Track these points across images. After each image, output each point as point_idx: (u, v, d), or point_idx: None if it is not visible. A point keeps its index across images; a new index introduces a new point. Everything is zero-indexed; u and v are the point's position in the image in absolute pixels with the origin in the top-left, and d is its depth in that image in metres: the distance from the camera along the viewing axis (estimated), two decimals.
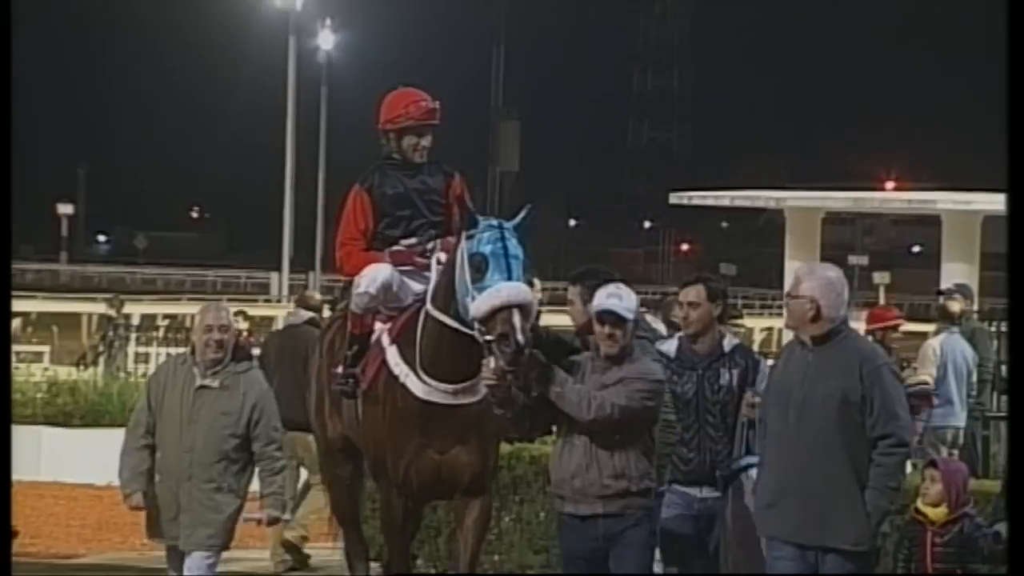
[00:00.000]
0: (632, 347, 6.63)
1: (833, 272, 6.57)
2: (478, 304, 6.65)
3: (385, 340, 7.18)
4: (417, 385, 6.98)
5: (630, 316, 6.60)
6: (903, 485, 6.63)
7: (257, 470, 7.52)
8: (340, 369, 7.35)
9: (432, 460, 7.02)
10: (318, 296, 12.19)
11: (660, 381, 6.60)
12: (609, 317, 6.57)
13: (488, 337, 6.56)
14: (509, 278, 6.66)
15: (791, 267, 19.39)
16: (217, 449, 7.41)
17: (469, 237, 6.83)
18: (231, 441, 7.42)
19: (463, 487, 7.07)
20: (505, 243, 6.75)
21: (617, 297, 6.60)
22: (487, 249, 6.72)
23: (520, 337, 6.46)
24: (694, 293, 7.12)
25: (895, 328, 11.66)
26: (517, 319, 6.50)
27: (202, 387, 7.47)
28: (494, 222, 6.84)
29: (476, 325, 6.65)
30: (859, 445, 6.36)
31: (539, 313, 7.14)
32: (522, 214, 6.92)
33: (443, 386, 6.96)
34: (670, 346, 7.12)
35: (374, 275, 7.23)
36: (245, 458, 7.49)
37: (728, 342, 7.16)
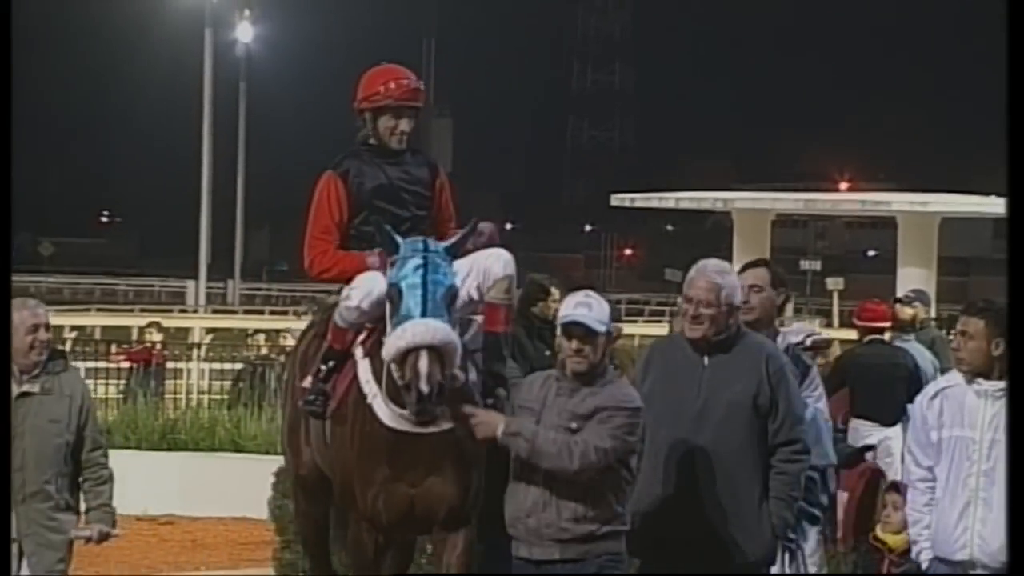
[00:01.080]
0: (605, 366, 6.06)
1: (728, 266, 6.37)
2: (387, 347, 6.09)
3: (359, 352, 6.63)
4: (383, 410, 6.42)
5: (601, 328, 5.98)
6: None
7: (82, 480, 7.17)
8: (308, 384, 6.75)
9: (403, 493, 6.45)
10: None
11: (639, 409, 6.00)
12: (577, 330, 5.97)
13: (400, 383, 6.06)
14: (424, 312, 6.02)
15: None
16: (52, 462, 7.05)
17: (392, 264, 6.24)
18: (63, 450, 7.07)
19: (440, 521, 6.49)
20: (427, 269, 6.11)
21: (586, 306, 6.00)
22: (404, 278, 6.12)
23: (423, 386, 5.90)
24: (758, 276, 6.72)
25: (888, 330, 11.73)
26: (423, 364, 5.92)
27: (23, 395, 7.04)
28: (419, 244, 6.23)
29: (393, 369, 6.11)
30: (763, 453, 6.16)
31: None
32: (459, 234, 6.38)
33: (408, 413, 6.31)
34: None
35: (369, 288, 6.54)
36: (76, 468, 7.15)
37: (781, 340, 6.72)
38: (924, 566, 6.01)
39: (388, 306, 6.19)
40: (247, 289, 57.88)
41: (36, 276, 68.38)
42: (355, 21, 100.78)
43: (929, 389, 6.15)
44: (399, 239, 6.27)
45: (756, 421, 6.14)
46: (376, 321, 6.55)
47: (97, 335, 24.48)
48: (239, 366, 18.23)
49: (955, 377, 6.04)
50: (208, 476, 13.89)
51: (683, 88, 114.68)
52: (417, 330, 5.99)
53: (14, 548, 7.08)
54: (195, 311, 42.17)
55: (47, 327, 7.12)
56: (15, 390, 7.04)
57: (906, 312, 12.26)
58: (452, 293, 6.17)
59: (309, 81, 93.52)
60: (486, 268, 6.59)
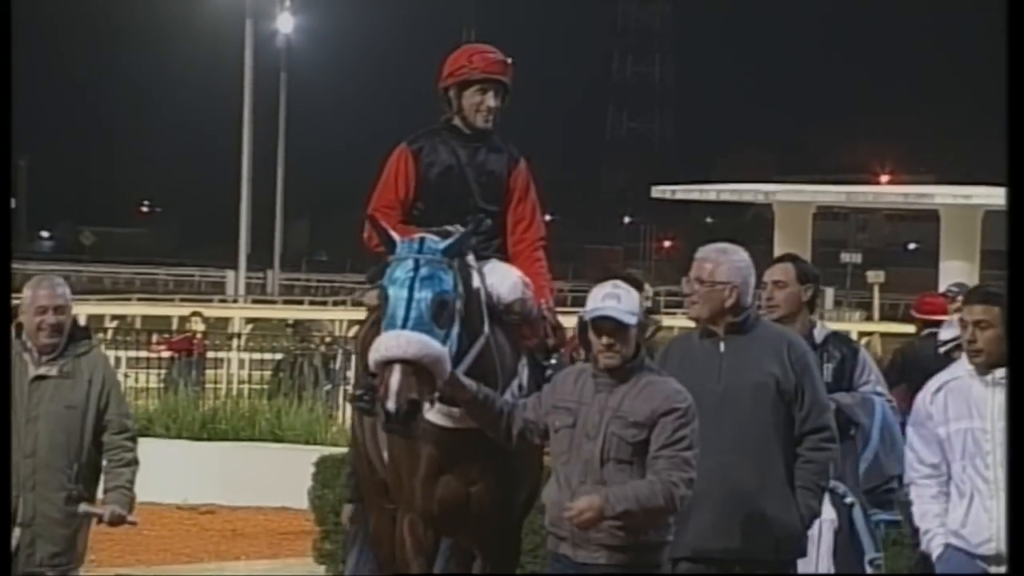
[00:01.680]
0: (641, 358, 5.69)
1: (744, 254, 6.15)
2: (369, 357, 5.79)
3: None
4: (428, 408, 6.08)
5: (632, 320, 5.63)
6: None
7: (104, 462, 6.70)
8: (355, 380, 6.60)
9: (457, 488, 6.22)
10: None
11: (691, 404, 5.66)
12: (607, 324, 5.61)
13: None
14: (405, 323, 5.67)
15: None
16: (66, 450, 6.59)
17: (387, 264, 5.91)
18: (81, 438, 6.61)
19: (491, 526, 6.25)
20: (416, 274, 5.77)
21: (615, 298, 5.65)
22: (393, 283, 5.78)
23: (389, 404, 5.59)
24: (780, 271, 6.66)
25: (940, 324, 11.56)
26: (393, 380, 5.58)
27: (39, 377, 6.62)
28: (415, 244, 5.87)
29: None
30: (789, 439, 5.96)
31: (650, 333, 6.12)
32: (455, 236, 6.00)
33: (446, 408, 6.06)
34: None
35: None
36: (97, 457, 6.67)
37: (820, 331, 6.62)
38: (936, 554, 5.72)
39: (381, 311, 5.89)
40: (286, 279, 58.06)
41: (77, 265, 68.74)
42: (395, 10, 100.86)
43: (931, 384, 5.91)
44: (396, 237, 5.95)
45: (781, 406, 5.96)
46: None
47: (138, 324, 24.57)
48: (279, 356, 18.29)
49: (957, 369, 5.84)
50: (248, 466, 13.94)
51: (723, 80, 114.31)
52: (389, 343, 5.67)
53: (16, 532, 6.62)
54: (235, 301, 42.31)
55: (58, 309, 6.65)
56: (31, 372, 6.63)
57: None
58: (440, 300, 5.81)
59: (350, 71, 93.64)
60: (497, 293, 6.37)
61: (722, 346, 6.01)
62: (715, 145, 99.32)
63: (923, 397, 5.87)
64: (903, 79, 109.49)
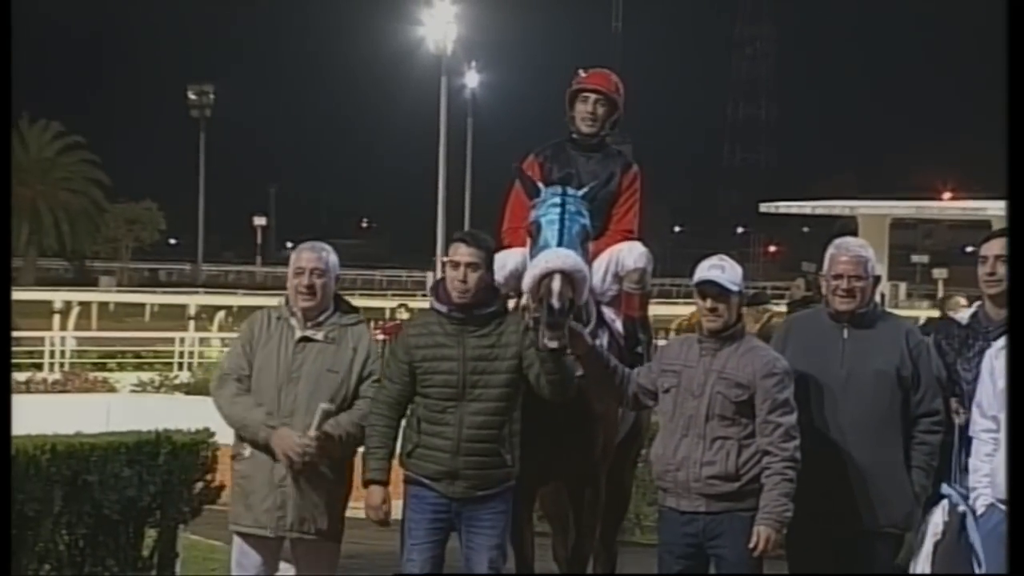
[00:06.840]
0: (742, 327, 5.10)
1: (863, 240, 5.35)
2: (525, 279, 5.16)
3: None
4: None
5: (734, 288, 5.04)
6: None
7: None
8: None
9: (538, 440, 5.37)
10: None
11: (789, 371, 5.02)
12: (711, 289, 5.04)
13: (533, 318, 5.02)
14: (560, 244, 5.12)
15: None
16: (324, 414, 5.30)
17: (533, 206, 5.33)
18: (340, 405, 5.32)
19: (573, 472, 5.52)
20: (564, 207, 5.22)
21: (719, 268, 5.06)
22: (543, 215, 5.23)
23: (555, 301, 4.94)
24: (1001, 245, 5.23)
25: None
26: (555, 284, 4.98)
27: (304, 339, 5.34)
28: (559, 188, 5.31)
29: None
30: (905, 423, 5.16)
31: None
32: (592, 184, 5.43)
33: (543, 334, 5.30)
34: (965, 314, 5.44)
35: (502, 262, 5.54)
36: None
37: None
38: (979, 512, 4.94)
39: (528, 242, 5.28)
40: None
41: None
42: (558, 71, 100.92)
43: (999, 342, 4.96)
44: (540, 185, 5.42)
45: (899, 392, 5.16)
46: (517, 291, 5.52)
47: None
48: None
49: None
50: None
51: (816, 118, 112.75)
52: (549, 256, 5.09)
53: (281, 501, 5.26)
54: None
55: (315, 272, 5.35)
56: (296, 334, 5.35)
57: None
58: (586, 232, 5.26)
59: (523, 114, 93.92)
60: (620, 259, 5.76)
61: (845, 333, 5.18)
62: (809, 170, 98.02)
63: (990, 353, 5.00)
64: (967, 115, 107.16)
